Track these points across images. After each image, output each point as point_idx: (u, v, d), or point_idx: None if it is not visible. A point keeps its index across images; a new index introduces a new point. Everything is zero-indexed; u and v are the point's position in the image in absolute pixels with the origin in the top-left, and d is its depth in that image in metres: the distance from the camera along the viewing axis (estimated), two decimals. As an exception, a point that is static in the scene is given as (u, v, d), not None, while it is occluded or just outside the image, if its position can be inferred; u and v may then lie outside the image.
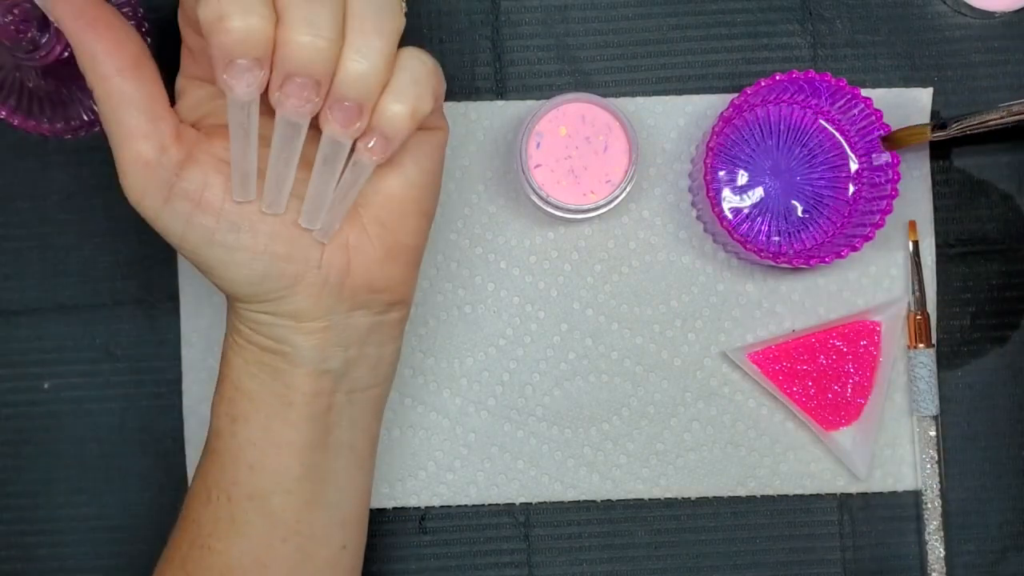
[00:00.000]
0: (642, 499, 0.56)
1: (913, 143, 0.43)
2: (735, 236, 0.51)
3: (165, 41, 0.56)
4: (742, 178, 0.54)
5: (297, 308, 0.42)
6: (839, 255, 0.51)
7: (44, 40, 0.52)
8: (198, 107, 0.43)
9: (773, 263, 0.52)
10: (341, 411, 0.45)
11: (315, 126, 0.40)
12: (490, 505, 0.56)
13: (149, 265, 0.56)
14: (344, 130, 0.39)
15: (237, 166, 0.40)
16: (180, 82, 0.44)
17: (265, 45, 0.37)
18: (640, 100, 0.55)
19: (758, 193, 0.54)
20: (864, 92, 0.51)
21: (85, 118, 0.54)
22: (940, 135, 0.43)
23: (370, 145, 0.39)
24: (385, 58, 0.38)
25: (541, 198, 0.52)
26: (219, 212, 0.41)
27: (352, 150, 0.40)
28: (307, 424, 0.44)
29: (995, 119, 0.44)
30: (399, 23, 0.39)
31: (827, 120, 0.54)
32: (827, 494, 0.56)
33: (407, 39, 0.40)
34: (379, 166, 0.41)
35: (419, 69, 0.39)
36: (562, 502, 0.56)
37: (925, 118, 0.55)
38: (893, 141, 0.47)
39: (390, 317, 0.45)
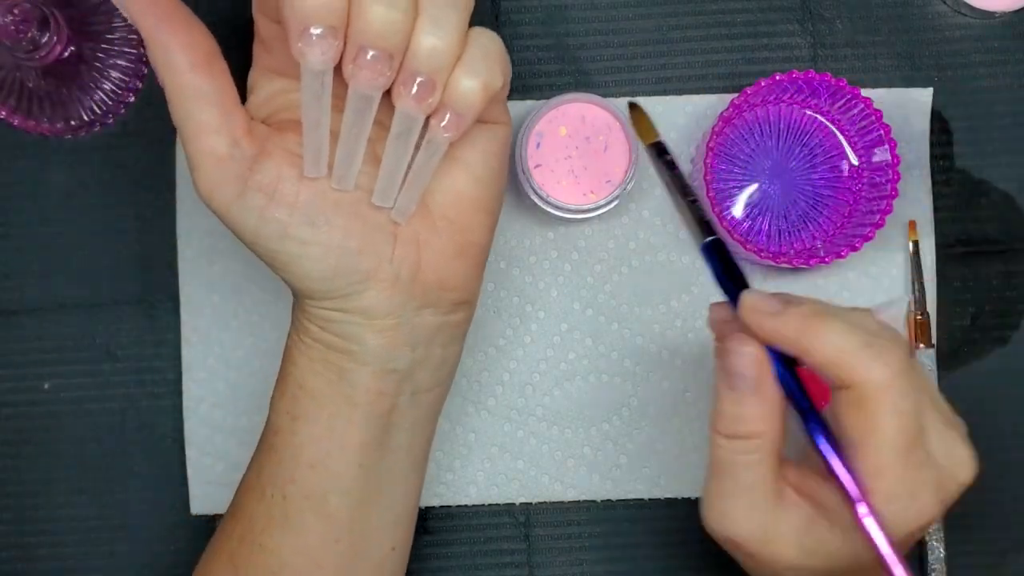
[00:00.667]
0: (642, 499, 0.56)
1: (637, 130, 0.45)
2: (735, 236, 0.51)
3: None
4: (742, 178, 0.54)
5: (368, 304, 0.42)
6: (839, 255, 0.51)
7: (44, 40, 0.52)
8: (270, 101, 0.43)
9: (773, 263, 0.52)
10: (403, 412, 0.45)
11: (385, 105, 0.40)
12: (490, 505, 0.56)
13: (149, 265, 0.56)
14: (418, 105, 0.38)
15: (309, 139, 0.40)
16: (252, 76, 0.44)
17: (340, 13, 0.36)
18: (640, 100, 0.55)
19: (758, 193, 0.54)
20: (864, 92, 0.51)
21: (85, 118, 0.54)
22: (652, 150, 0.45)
23: (444, 123, 0.39)
24: (459, 32, 0.38)
25: (541, 198, 0.52)
26: (293, 205, 0.41)
27: (424, 130, 0.40)
28: (370, 424, 0.44)
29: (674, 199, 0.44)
30: (471, 1, 0.39)
31: (827, 120, 0.54)
32: (827, 494, 0.55)
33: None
34: (445, 162, 0.41)
35: (489, 46, 0.39)
36: (562, 502, 0.56)
37: (925, 118, 0.55)
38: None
39: (456, 317, 0.45)
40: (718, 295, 0.55)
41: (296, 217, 0.41)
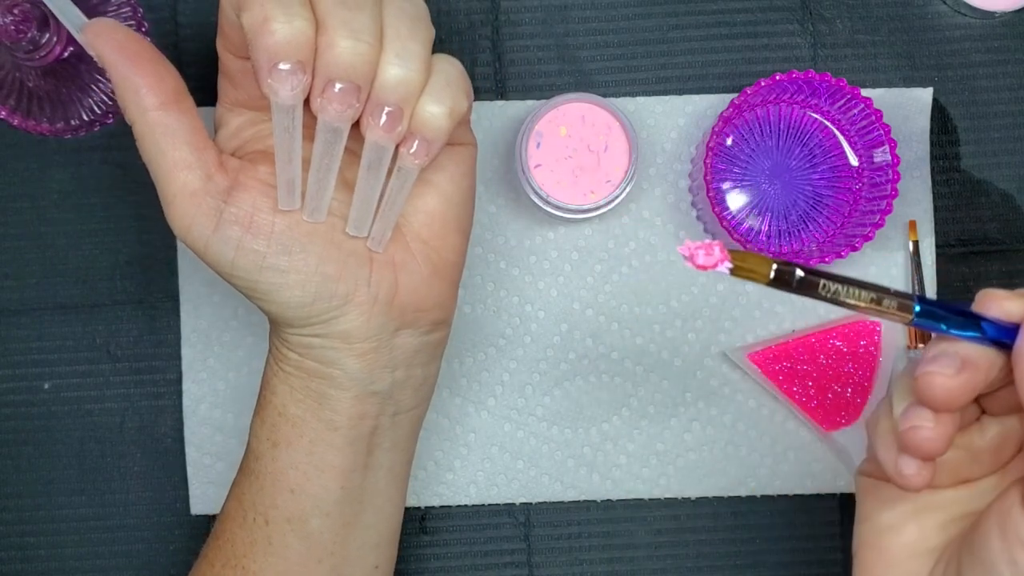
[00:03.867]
0: (642, 499, 0.56)
1: (748, 277, 0.34)
2: (735, 236, 0.51)
3: (164, 42, 0.56)
4: (742, 178, 0.54)
5: (347, 328, 0.43)
6: (839, 255, 0.51)
7: (44, 40, 0.52)
8: (238, 134, 0.43)
9: (773, 263, 0.52)
10: (384, 433, 0.45)
11: (354, 133, 0.40)
12: (490, 505, 0.56)
13: (149, 265, 0.56)
14: (387, 135, 0.39)
15: (283, 173, 0.41)
16: (218, 111, 0.44)
17: (308, 48, 0.37)
18: (640, 100, 0.55)
19: (758, 193, 0.54)
20: (864, 92, 0.51)
21: (85, 118, 0.54)
22: (776, 285, 0.34)
23: (412, 150, 0.40)
24: (423, 62, 0.39)
25: (541, 198, 0.52)
26: (270, 235, 0.41)
27: (394, 159, 0.41)
28: (351, 447, 0.44)
29: (851, 302, 0.35)
30: (431, 32, 0.40)
31: (827, 120, 0.54)
32: (827, 494, 0.55)
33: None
34: (417, 184, 0.42)
35: (451, 71, 0.40)
36: (562, 502, 0.56)
37: (925, 118, 0.55)
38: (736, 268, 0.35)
39: (434, 337, 0.45)
40: (718, 295, 0.56)
41: (273, 247, 0.41)
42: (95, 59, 0.40)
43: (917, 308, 0.35)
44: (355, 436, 0.44)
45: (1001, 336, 0.35)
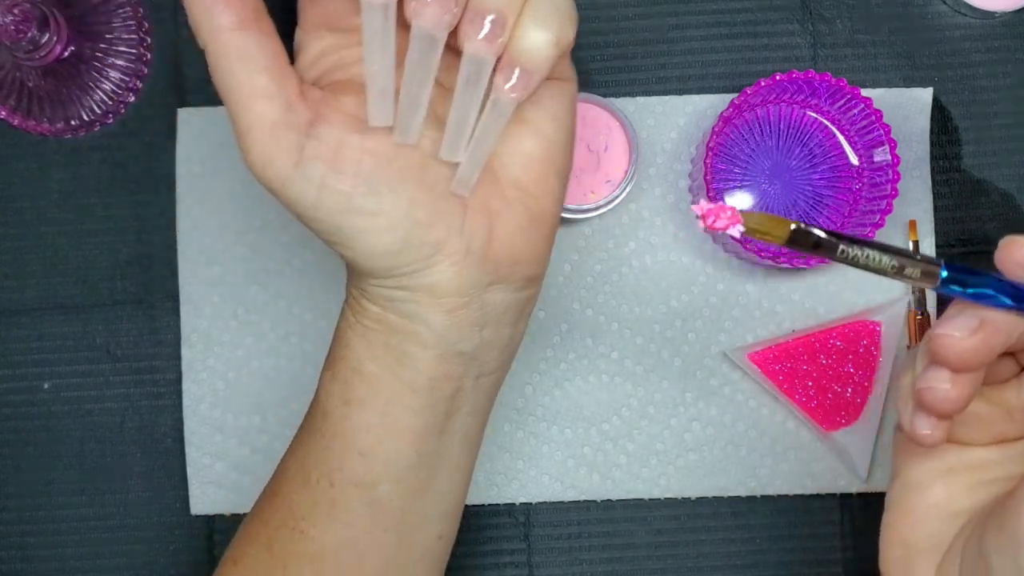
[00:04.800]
0: (642, 499, 0.56)
1: (764, 239, 0.33)
2: (735, 236, 0.51)
3: (166, 41, 0.56)
4: (742, 178, 0.54)
5: (436, 281, 0.39)
6: (839, 255, 0.51)
7: (44, 40, 0.52)
8: (320, 61, 0.39)
9: (773, 263, 0.52)
10: (465, 396, 0.42)
11: (445, 63, 0.37)
12: (490, 505, 0.56)
13: (149, 265, 0.56)
14: (489, 46, 0.35)
15: (374, 82, 0.36)
16: (299, 35, 0.40)
17: None
18: (640, 100, 0.55)
19: (758, 193, 0.54)
20: (864, 92, 0.51)
21: (85, 118, 0.54)
22: (792, 246, 0.33)
23: (511, 82, 0.35)
24: None
25: (541, 198, 0.52)
26: (356, 174, 0.37)
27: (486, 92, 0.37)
28: (430, 410, 0.41)
29: (873, 266, 0.34)
30: None
31: (827, 120, 0.54)
32: (828, 494, 0.55)
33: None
34: (512, 124, 0.38)
35: None
36: (562, 502, 0.56)
37: (925, 118, 0.55)
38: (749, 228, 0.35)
39: (526, 293, 0.41)
40: (718, 295, 0.56)
41: (360, 187, 0.37)
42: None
43: (944, 274, 0.33)
44: (435, 399, 0.41)
45: None
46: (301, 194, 0.37)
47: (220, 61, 0.36)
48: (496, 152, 0.39)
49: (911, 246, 0.55)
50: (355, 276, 0.41)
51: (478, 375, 0.42)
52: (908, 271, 0.33)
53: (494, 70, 0.36)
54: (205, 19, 0.35)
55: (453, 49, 0.36)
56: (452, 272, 0.39)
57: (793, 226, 0.32)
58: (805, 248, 0.33)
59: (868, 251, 0.33)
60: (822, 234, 0.32)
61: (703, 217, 0.32)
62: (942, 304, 0.55)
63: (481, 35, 0.34)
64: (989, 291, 0.33)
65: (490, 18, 0.34)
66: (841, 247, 0.33)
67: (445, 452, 0.42)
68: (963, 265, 0.34)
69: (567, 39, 0.35)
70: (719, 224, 0.32)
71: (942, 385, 0.34)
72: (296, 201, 0.37)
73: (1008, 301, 0.34)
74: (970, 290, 0.34)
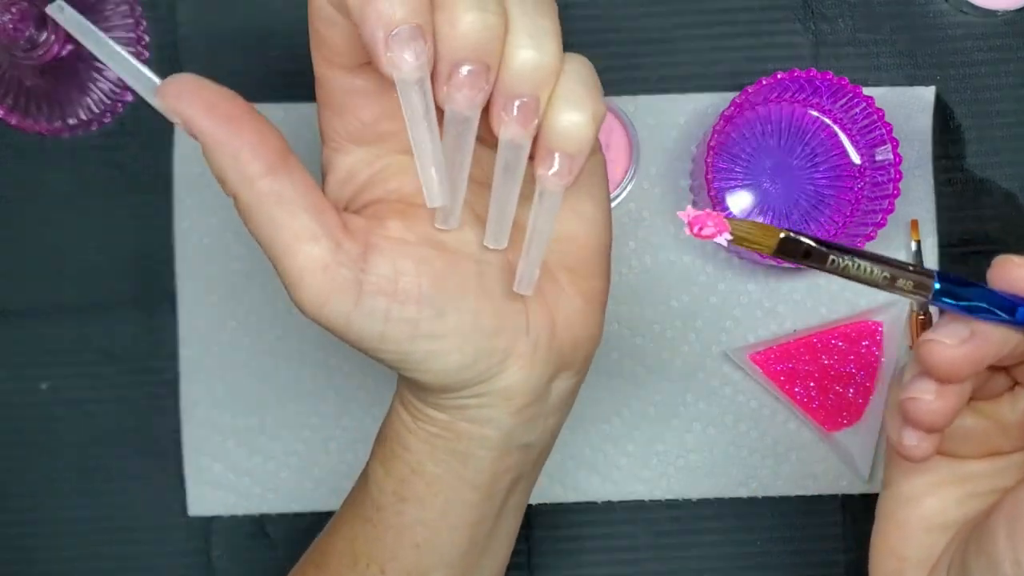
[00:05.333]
0: (643, 500, 0.55)
1: (752, 248, 0.33)
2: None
3: (163, 40, 0.56)
4: (744, 177, 0.54)
5: (508, 384, 0.37)
6: (841, 254, 0.51)
7: (42, 39, 0.52)
8: (351, 178, 0.37)
9: (774, 263, 0.52)
10: (524, 479, 0.41)
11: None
12: (490, 506, 0.55)
13: (147, 265, 0.56)
14: (523, 129, 0.33)
15: (425, 162, 0.34)
16: (325, 154, 0.38)
17: (424, 8, 0.32)
18: (641, 99, 0.55)
19: (759, 192, 0.54)
20: (866, 91, 0.51)
21: (83, 117, 0.54)
22: (781, 255, 0.33)
23: (553, 169, 0.34)
24: (557, 44, 0.33)
25: (541, 197, 0.52)
26: (419, 299, 0.35)
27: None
28: (488, 502, 0.40)
29: (864, 276, 0.33)
30: (556, 8, 0.34)
31: (829, 119, 0.54)
32: (829, 495, 0.55)
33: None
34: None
35: (583, 70, 0.34)
36: (562, 504, 0.55)
37: (928, 117, 0.55)
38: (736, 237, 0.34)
39: (582, 376, 0.41)
40: (719, 295, 0.55)
41: (425, 311, 0.35)
42: (178, 125, 0.34)
43: (937, 286, 0.32)
44: (495, 490, 0.40)
45: None
46: (365, 330, 0.35)
47: (256, 211, 0.34)
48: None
49: (913, 245, 0.55)
50: (419, 393, 0.39)
51: (536, 459, 0.41)
52: (900, 283, 0.33)
53: (531, 158, 0.34)
54: (232, 169, 0.34)
55: (483, 141, 0.36)
56: (523, 373, 0.38)
57: (782, 235, 0.31)
58: (795, 258, 0.32)
59: (859, 261, 0.32)
60: (812, 243, 0.32)
61: (689, 224, 0.32)
62: (944, 304, 0.55)
63: (514, 118, 0.33)
64: (983, 304, 0.33)
65: (520, 101, 0.33)
66: (832, 257, 0.32)
67: (499, 529, 0.42)
68: (958, 276, 0.33)
69: (601, 115, 0.34)
70: (706, 232, 0.32)
71: (926, 396, 0.33)
72: (361, 338, 0.36)
73: (1003, 315, 0.33)
74: (963, 303, 0.33)
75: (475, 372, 0.37)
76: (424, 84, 0.33)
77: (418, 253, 0.36)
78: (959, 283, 0.33)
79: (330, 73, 0.35)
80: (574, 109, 0.33)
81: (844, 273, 0.32)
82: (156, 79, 0.34)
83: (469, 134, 0.34)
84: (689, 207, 0.32)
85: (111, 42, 0.34)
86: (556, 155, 0.34)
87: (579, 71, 0.34)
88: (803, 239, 0.32)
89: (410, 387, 0.39)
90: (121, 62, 0.34)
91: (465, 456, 0.39)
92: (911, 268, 0.33)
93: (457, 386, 0.37)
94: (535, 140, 0.34)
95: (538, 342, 0.38)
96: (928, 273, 0.33)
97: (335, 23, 0.33)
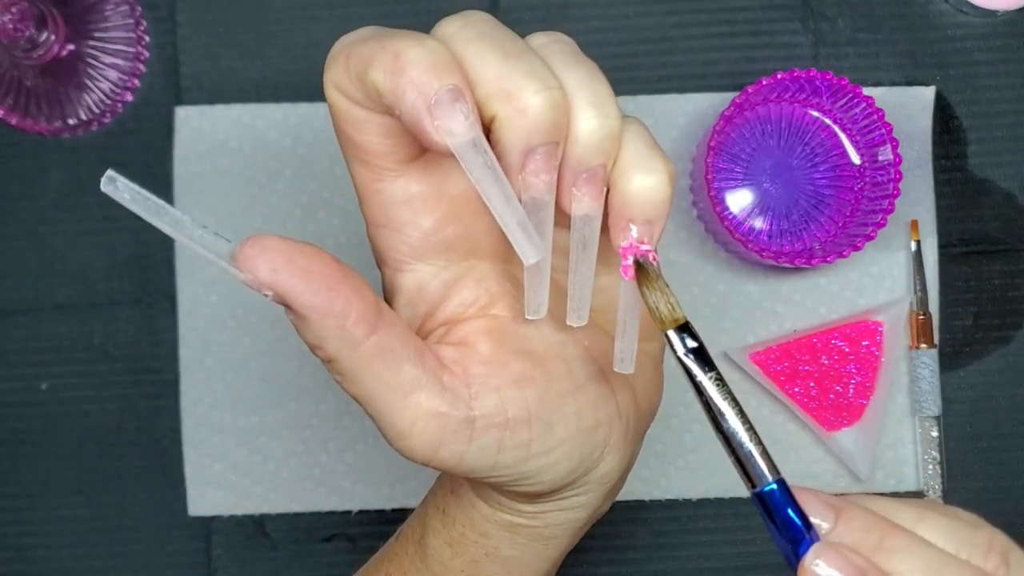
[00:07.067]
0: (642, 500, 0.55)
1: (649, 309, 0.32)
2: (736, 236, 0.51)
3: (163, 40, 0.56)
4: (743, 177, 0.54)
5: (607, 471, 0.37)
6: (841, 255, 0.51)
7: (42, 39, 0.52)
8: (421, 294, 0.35)
9: (774, 263, 0.52)
10: (585, 528, 0.41)
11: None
12: (490, 506, 0.55)
13: (146, 264, 0.56)
14: (595, 202, 0.32)
15: (508, 220, 0.31)
16: (387, 276, 0.35)
17: (456, 67, 0.30)
18: (641, 99, 0.55)
19: (759, 192, 0.54)
20: (866, 91, 0.51)
21: (83, 117, 0.54)
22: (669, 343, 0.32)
23: (629, 240, 0.32)
24: (618, 107, 0.32)
25: (541, 197, 0.52)
26: (528, 421, 0.34)
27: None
28: (553, 563, 0.40)
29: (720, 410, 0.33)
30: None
31: (829, 119, 0.54)
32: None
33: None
34: (609, 278, 0.35)
35: (643, 133, 0.33)
36: (562, 503, 0.55)
37: (928, 117, 0.55)
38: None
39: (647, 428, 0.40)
40: (718, 295, 0.55)
41: (535, 431, 0.34)
42: (259, 291, 0.32)
43: (766, 489, 0.30)
44: (564, 550, 0.40)
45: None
46: (479, 462, 0.34)
47: (360, 372, 0.32)
48: (603, 307, 0.36)
49: (913, 245, 0.55)
50: (513, 494, 0.37)
51: (601, 514, 0.40)
52: (739, 455, 0.31)
53: (618, 238, 0.33)
54: (336, 335, 0.31)
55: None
56: (619, 456, 0.37)
57: (682, 320, 0.31)
58: (674, 351, 0.32)
59: (728, 401, 0.32)
60: (693, 344, 0.31)
61: (623, 256, 0.31)
62: (944, 305, 0.55)
63: (587, 193, 0.32)
64: (780, 534, 0.30)
65: (588, 173, 0.31)
66: (709, 375, 0.32)
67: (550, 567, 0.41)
68: (792, 499, 0.30)
69: (673, 171, 0.32)
70: (624, 271, 0.31)
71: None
72: (475, 469, 0.34)
73: (787, 548, 0.30)
74: (772, 519, 0.30)
75: (580, 472, 0.36)
76: (480, 143, 0.30)
77: (517, 373, 0.34)
78: (781, 504, 0.30)
79: (378, 186, 0.33)
80: (646, 173, 0.32)
81: (707, 401, 0.32)
82: (229, 242, 0.31)
83: (549, 218, 0.32)
84: (632, 239, 0.32)
85: (173, 210, 0.31)
86: (633, 225, 0.32)
87: (639, 132, 0.33)
88: (692, 340, 0.31)
89: (499, 488, 0.37)
90: (189, 231, 0.32)
91: (548, 539, 0.38)
92: (758, 460, 0.30)
93: (561, 489, 0.36)
94: (607, 213, 0.32)
95: (628, 422, 0.37)
96: (765, 474, 0.30)
97: (365, 122, 0.31)
